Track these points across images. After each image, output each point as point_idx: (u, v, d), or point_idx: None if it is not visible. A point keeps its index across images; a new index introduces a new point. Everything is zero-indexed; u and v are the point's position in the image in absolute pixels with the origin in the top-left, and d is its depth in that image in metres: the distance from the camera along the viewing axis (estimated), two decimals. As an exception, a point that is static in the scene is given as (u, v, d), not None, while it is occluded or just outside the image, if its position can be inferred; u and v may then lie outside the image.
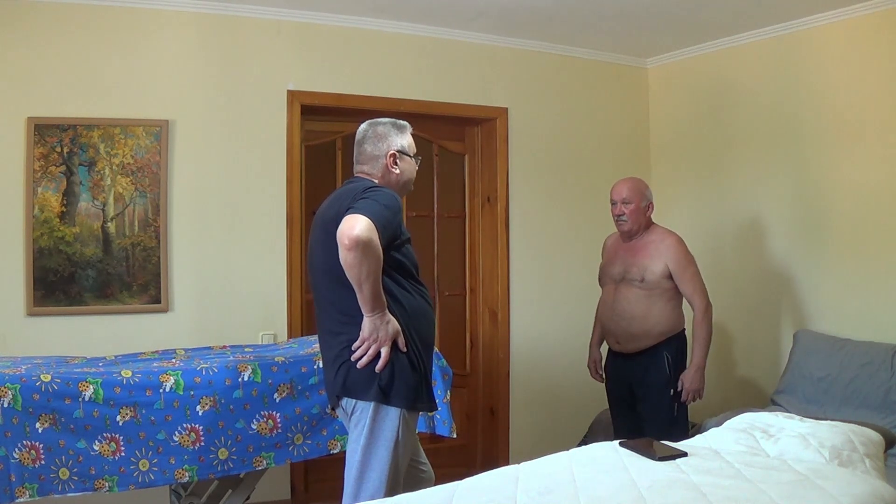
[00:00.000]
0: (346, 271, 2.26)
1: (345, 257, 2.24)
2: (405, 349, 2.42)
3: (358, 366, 2.39)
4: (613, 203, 3.57)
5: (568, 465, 2.18)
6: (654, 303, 3.44)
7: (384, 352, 2.38)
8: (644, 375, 3.47)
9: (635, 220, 3.52)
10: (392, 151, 2.59)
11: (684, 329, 3.53)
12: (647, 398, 3.48)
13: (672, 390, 3.43)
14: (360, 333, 2.37)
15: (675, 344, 3.47)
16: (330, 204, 2.53)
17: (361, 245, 2.21)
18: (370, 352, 2.38)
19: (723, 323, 4.43)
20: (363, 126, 2.66)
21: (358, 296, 2.31)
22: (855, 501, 1.89)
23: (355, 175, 2.63)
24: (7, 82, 3.55)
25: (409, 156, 2.64)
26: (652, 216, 3.59)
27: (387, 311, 2.37)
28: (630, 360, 3.52)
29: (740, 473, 2.07)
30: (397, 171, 2.60)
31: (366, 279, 2.26)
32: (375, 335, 2.36)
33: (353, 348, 2.40)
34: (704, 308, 3.44)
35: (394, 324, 2.39)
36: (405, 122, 2.68)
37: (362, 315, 2.36)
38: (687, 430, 3.45)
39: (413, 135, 2.70)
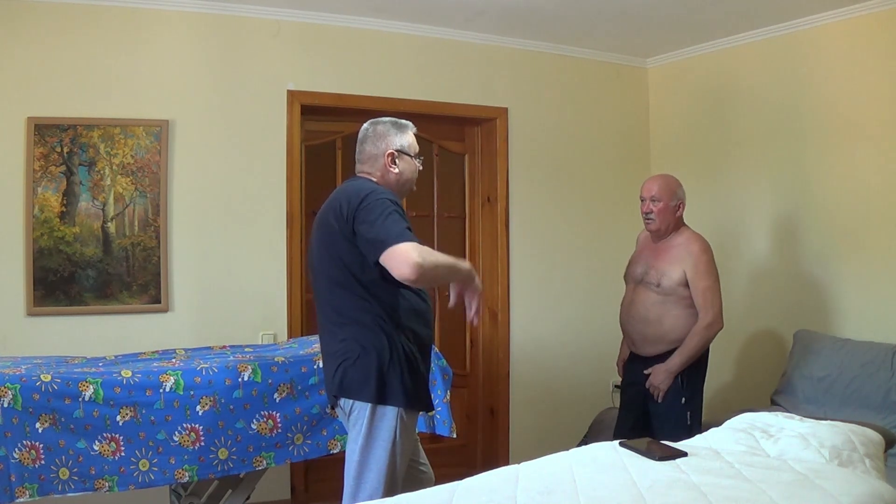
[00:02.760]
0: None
1: (419, 283, 2.36)
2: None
3: (474, 324, 2.57)
4: (642, 200, 3.46)
5: (568, 465, 2.18)
6: (669, 309, 3.37)
7: (474, 304, 2.47)
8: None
9: (663, 220, 3.41)
10: (391, 151, 2.57)
11: None
12: (659, 404, 3.43)
13: (683, 398, 3.39)
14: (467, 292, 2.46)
15: None
16: (330, 203, 2.51)
17: (422, 269, 2.25)
18: (474, 305, 2.46)
19: (723, 323, 4.43)
20: (365, 125, 2.65)
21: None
22: (855, 501, 1.89)
23: (357, 174, 2.63)
24: (7, 82, 3.55)
25: (410, 155, 2.62)
26: (682, 216, 3.49)
27: (468, 269, 2.45)
28: (645, 363, 3.47)
29: (740, 473, 2.07)
30: (396, 171, 2.58)
31: (443, 277, 2.44)
32: (473, 290, 2.45)
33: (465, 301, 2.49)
34: (710, 322, 3.32)
35: (476, 281, 2.46)
36: (407, 122, 2.66)
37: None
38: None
39: (414, 135, 2.68)
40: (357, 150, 2.64)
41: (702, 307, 3.33)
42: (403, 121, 2.66)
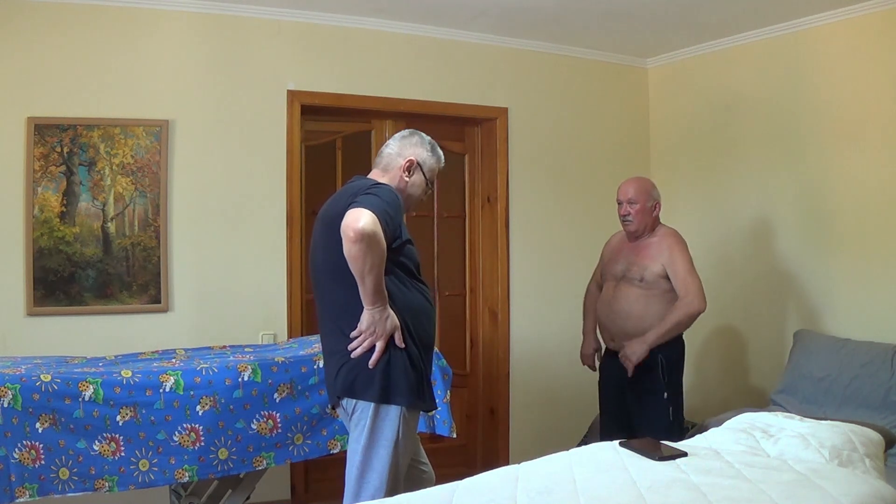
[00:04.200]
0: (350, 264, 2.26)
1: (349, 250, 2.24)
2: (403, 345, 2.42)
3: (352, 356, 2.39)
4: (619, 203, 3.53)
5: (568, 465, 2.18)
6: (652, 303, 3.42)
7: (379, 346, 2.37)
8: (638, 377, 3.43)
9: (641, 221, 3.48)
10: (413, 158, 2.59)
11: (682, 333, 3.50)
12: (641, 400, 3.45)
13: (666, 393, 3.40)
14: (359, 325, 2.37)
15: (671, 347, 3.42)
16: (332, 202, 2.52)
17: (366, 238, 2.21)
18: (365, 344, 2.38)
19: (723, 323, 4.44)
20: (407, 129, 2.70)
21: (360, 288, 2.31)
22: (855, 501, 1.89)
23: (361, 175, 2.63)
24: (7, 82, 3.55)
25: (425, 176, 2.63)
26: (658, 216, 3.55)
27: (387, 305, 2.37)
28: None
29: (740, 473, 2.07)
30: (407, 180, 2.60)
31: (369, 272, 2.26)
32: (373, 329, 2.36)
33: (350, 336, 2.40)
34: (690, 300, 3.35)
35: (393, 319, 2.38)
36: (442, 154, 2.69)
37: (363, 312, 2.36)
38: (683, 432, 3.43)
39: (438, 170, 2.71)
40: (383, 144, 2.67)
41: (682, 288, 3.38)
42: (441, 152, 2.69)
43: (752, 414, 2.65)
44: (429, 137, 2.67)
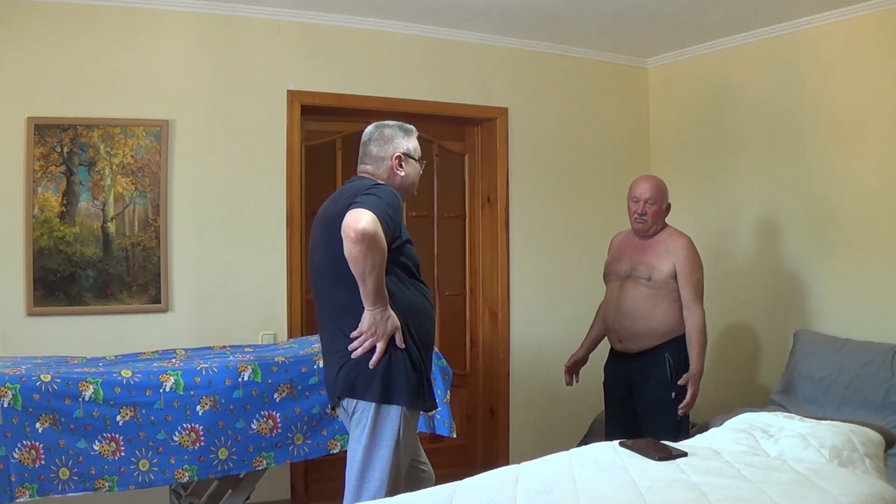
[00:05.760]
0: (351, 265, 2.26)
1: (350, 250, 2.24)
2: (403, 346, 2.42)
3: (352, 356, 2.39)
4: (636, 200, 3.48)
5: (568, 465, 2.18)
6: (659, 302, 3.41)
7: (380, 347, 2.37)
8: (645, 376, 3.44)
9: (655, 221, 3.46)
10: (398, 154, 2.59)
11: (684, 333, 3.50)
12: (648, 400, 3.45)
13: (674, 393, 3.39)
14: (360, 326, 2.37)
15: (678, 346, 3.41)
16: (331, 202, 2.53)
17: (367, 238, 2.22)
18: (366, 345, 2.38)
19: (723, 323, 4.44)
20: (370, 128, 2.66)
21: (361, 289, 2.31)
22: (855, 501, 1.89)
23: (358, 175, 2.63)
24: (7, 82, 3.55)
25: (415, 159, 2.64)
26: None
27: (388, 306, 2.37)
28: (631, 360, 3.49)
29: (740, 473, 2.07)
30: (402, 174, 2.60)
31: (370, 273, 2.26)
32: (374, 329, 2.36)
33: (350, 337, 2.40)
34: (702, 314, 3.38)
35: (394, 319, 2.38)
36: (412, 126, 2.68)
37: (363, 312, 2.36)
38: (688, 432, 3.44)
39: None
40: (361, 151, 2.65)
41: (692, 300, 3.37)
42: (409, 125, 2.68)
43: (752, 414, 2.65)
44: (394, 122, 2.65)
